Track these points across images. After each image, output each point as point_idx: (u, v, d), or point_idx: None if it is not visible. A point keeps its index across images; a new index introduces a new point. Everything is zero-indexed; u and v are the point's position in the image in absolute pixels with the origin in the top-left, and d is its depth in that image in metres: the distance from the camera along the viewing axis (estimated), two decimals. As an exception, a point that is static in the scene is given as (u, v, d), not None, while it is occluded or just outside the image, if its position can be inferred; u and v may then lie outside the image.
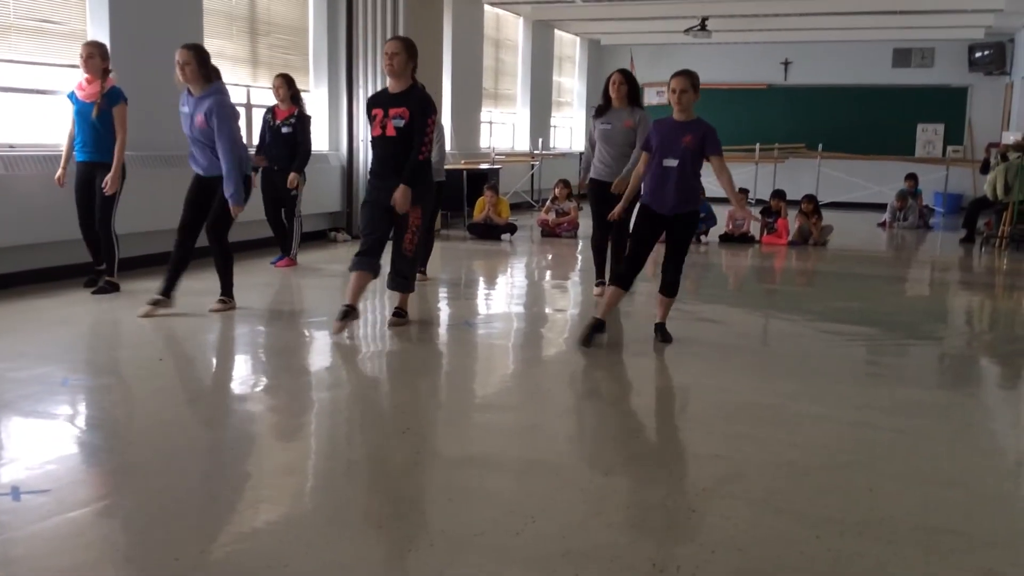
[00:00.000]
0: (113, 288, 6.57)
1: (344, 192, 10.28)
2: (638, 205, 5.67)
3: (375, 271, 5.66)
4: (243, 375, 4.89)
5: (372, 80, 9.99)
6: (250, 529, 2.87)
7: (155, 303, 5.90)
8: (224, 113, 5.77)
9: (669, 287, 5.53)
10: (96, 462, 3.43)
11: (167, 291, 5.95)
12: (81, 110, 6.41)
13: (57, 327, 5.54)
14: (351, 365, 5.02)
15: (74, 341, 5.22)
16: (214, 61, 5.95)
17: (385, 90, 5.73)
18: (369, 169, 5.89)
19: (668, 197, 5.35)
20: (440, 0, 10.72)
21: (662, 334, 5.60)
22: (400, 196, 5.49)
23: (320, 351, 5.39)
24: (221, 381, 4.78)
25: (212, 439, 3.77)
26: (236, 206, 5.86)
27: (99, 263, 6.68)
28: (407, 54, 5.56)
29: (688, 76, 5.32)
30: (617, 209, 5.91)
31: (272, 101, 8.17)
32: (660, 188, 5.38)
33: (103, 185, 6.37)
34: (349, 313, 5.53)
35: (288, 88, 7.99)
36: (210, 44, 8.22)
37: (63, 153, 6.58)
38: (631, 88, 7.01)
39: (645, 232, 5.48)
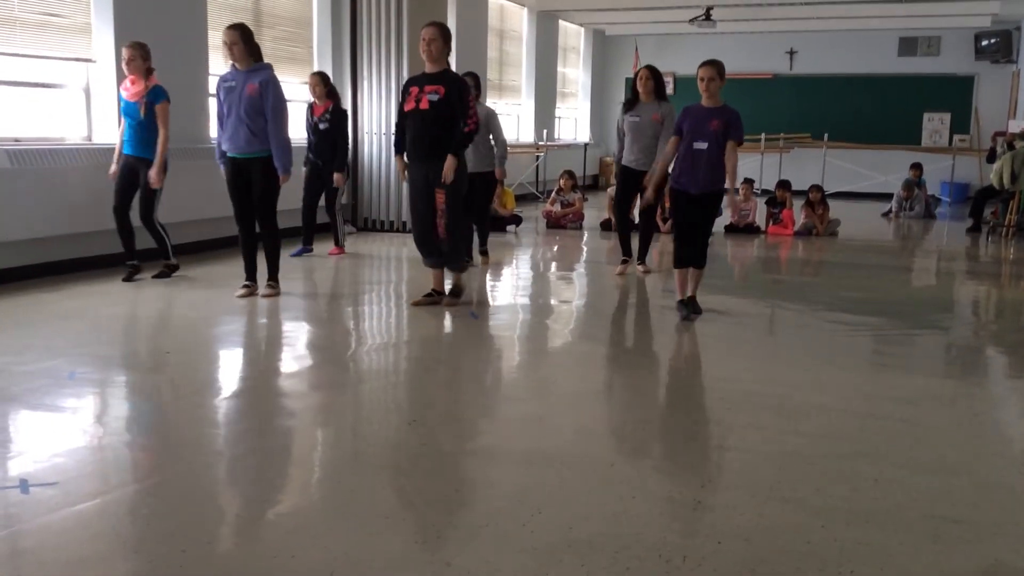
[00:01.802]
0: (173, 270, 6.90)
1: (349, 184, 10.27)
2: (668, 190, 6.11)
3: (443, 264, 6.21)
4: (248, 367, 4.90)
5: (376, 72, 9.97)
6: (257, 522, 2.88)
7: (247, 288, 6.33)
8: (279, 87, 6.07)
9: (698, 259, 5.93)
10: (103, 455, 3.44)
11: (252, 277, 6.39)
12: (127, 109, 6.64)
13: (64, 320, 5.56)
14: (356, 356, 5.03)
15: (81, 334, 5.23)
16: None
17: (423, 72, 5.95)
18: (405, 152, 6.07)
19: (699, 177, 5.76)
20: (444, -9, 10.70)
21: (693, 307, 5.96)
22: (448, 167, 5.77)
23: (324, 342, 5.40)
24: (227, 374, 4.79)
25: (218, 431, 3.78)
26: (284, 175, 6.10)
27: (131, 256, 6.84)
28: (443, 39, 5.85)
29: (715, 65, 5.79)
30: (648, 193, 6.51)
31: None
32: (691, 169, 5.79)
33: (148, 180, 6.59)
34: (432, 295, 6.20)
35: (324, 85, 8.26)
36: (214, 36, 8.22)
37: (116, 149, 6.78)
38: (657, 83, 7.45)
39: (683, 214, 5.94)
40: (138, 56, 6.53)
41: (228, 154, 6.14)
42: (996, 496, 3.16)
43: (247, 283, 6.35)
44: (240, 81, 6.01)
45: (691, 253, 5.93)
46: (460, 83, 5.90)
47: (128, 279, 6.75)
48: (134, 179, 6.68)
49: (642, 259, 7.85)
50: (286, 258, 8.11)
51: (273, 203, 6.23)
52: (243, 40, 5.97)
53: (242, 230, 6.32)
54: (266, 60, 6.29)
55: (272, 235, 6.32)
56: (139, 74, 6.56)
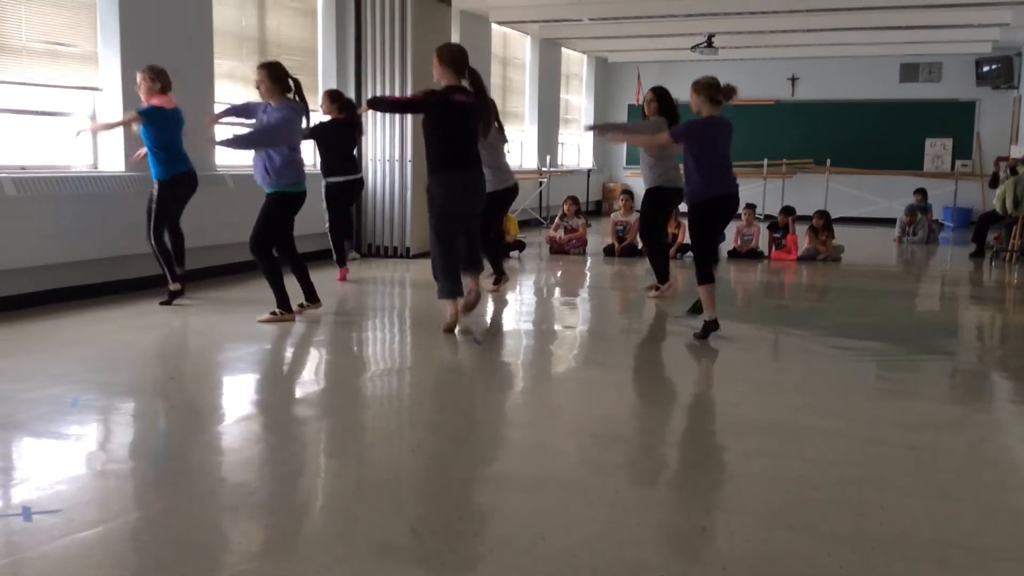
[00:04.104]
0: (174, 296, 6.93)
1: (354, 210, 10.31)
2: (699, 204, 6.10)
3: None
4: (251, 394, 4.90)
5: (380, 99, 10.05)
6: (259, 548, 2.87)
7: (301, 306, 6.55)
8: (279, 116, 6.17)
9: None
10: (106, 482, 3.44)
11: (310, 298, 6.62)
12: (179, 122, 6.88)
13: (68, 347, 5.57)
14: (359, 383, 5.03)
15: (87, 361, 5.24)
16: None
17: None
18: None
19: (731, 180, 6.10)
20: (448, 20, 10.78)
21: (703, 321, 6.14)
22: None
23: (328, 368, 5.40)
24: (230, 400, 4.79)
25: (221, 458, 3.78)
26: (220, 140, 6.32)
27: (175, 278, 6.99)
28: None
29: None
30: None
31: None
32: (725, 174, 6.06)
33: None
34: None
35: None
36: (220, 65, 8.30)
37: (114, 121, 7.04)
38: (660, 104, 7.60)
39: (714, 224, 6.24)
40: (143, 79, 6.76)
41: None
42: (1002, 522, 3.15)
43: (302, 303, 6.57)
44: (267, 117, 6.21)
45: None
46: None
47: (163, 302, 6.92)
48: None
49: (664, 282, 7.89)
50: (292, 282, 8.16)
51: (261, 231, 6.23)
52: (269, 78, 6.14)
53: (283, 257, 6.44)
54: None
55: (261, 262, 6.30)
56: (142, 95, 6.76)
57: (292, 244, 6.53)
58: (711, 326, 5.98)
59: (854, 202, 15.50)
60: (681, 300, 7.55)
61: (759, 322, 7.18)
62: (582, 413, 4.57)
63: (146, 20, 7.42)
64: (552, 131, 16.59)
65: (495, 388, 5.13)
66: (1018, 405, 4.99)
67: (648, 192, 7.55)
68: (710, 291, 6.03)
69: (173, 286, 6.92)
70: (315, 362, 5.55)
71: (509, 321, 7.02)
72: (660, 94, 7.64)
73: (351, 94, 10.14)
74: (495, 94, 14.13)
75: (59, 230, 6.69)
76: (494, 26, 13.90)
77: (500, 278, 8.03)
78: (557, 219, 11.58)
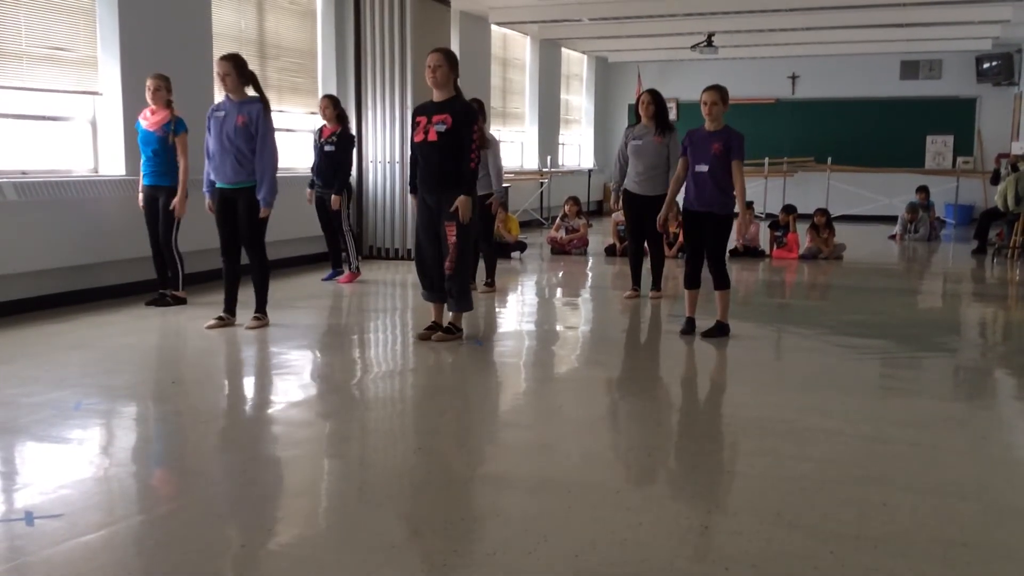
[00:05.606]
0: (179, 301, 7.01)
1: (355, 211, 10.31)
2: (682, 213, 6.27)
3: (444, 300, 6.02)
4: (255, 397, 4.90)
5: (381, 101, 10.04)
6: (263, 552, 2.87)
7: (220, 320, 6.29)
8: (270, 119, 6.09)
9: (715, 281, 6.08)
10: (109, 486, 3.44)
11: (230, 309, 6.34)
12: (145, 138, 6.83)
13: (71, 352, 5.57)
14: (362, 385, 5.03)
15: (88, 365, 5.24)
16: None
17: (430, 100, 5.89)
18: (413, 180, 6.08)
19: (704, 197, 5.98)
20: (447, 21, 10.78)
21: (720, 329, 6.12)
22: (462, 207, 5.72)
23: (330, 371, 5.40)
24: (233, 404, 4.79)
25: (224, 462, 3.78)
26: (266, 208, 6.08)
27: (164, 284, 7.07)
28: (448, 65, 5.77)
29: (718, 90, 5.99)
30: (660, 214, 6.50)
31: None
32: (696, 191, 6.04)
33: (171, 208, 6.83)
34: (433, 328, 6.02)
35: (333, 108, 8.39)
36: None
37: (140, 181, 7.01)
38: (659, 107, 7.56)
39: (693, 234, 6.14)
40: (163, 87, 6.80)
41: (216, 184, 6.12)
42: (1006, 520, 3.14)
43: (222, 315, 6.30)
44: (231, 112, 6.00)
45: (699, 274, 6.15)
46: (467, 112, 5.78)
47: (152, 304, 6.98)
48: (157, 208, 6.90)
49: (657, 286, 7.82)
50: (295, 285, 8.19)
51: (261, 233, 6.18)
52: (235, 71, 5.98)
53: (226, 262, 6.28)
54: (271, 90, 6.34)
55: (261, 266, 6.29)
56: (161, 104, 6.78)
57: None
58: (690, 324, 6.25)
59: (855, 200, 15.49)
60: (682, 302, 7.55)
61: (761, 321, 7.17)
62: (584, 413, 4.57)
63: (145, 24, 7.43)
64: (553, 131, 16.59)
65: (497, 389, 5.13)
66: (1021, 402, 4.99)
67: (656, 199, 7.11)
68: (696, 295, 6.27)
69: (180, 293, 7.04)
70: (316, 364, 5.55)
71: (510, 322, 7.02)
72: (658, 97, 7.61)
73: (350, 95, 10.17)
74: (495, 95, 14.17)
75: (60, 234, 6.70)
76: (494, 27, 13.90)
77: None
78: (558, 219, 11.59)
